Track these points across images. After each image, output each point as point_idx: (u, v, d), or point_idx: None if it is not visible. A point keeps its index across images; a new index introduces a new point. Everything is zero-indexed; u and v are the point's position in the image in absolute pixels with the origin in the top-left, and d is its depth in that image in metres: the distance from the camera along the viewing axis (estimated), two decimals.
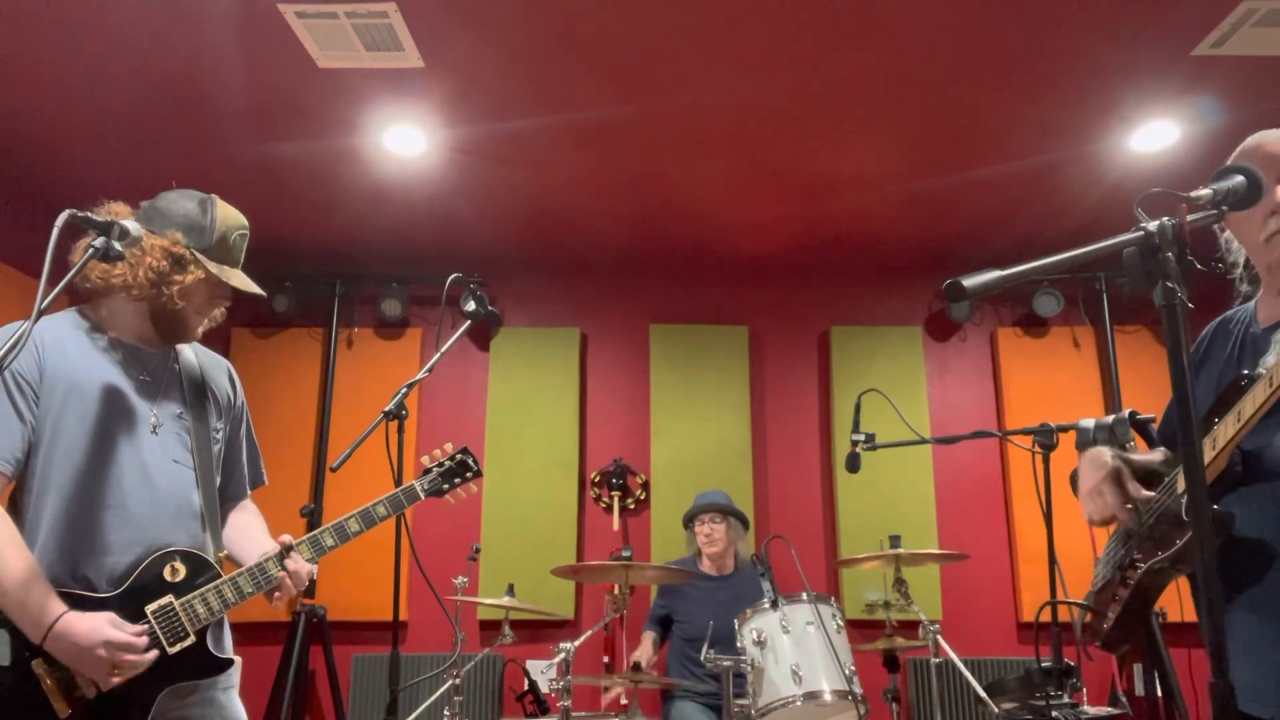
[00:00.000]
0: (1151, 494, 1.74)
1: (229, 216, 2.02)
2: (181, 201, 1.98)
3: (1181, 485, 1.67)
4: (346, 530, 2.05)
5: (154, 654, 1.79)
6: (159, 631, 1.83)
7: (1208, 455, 1.59)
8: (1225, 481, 1.60)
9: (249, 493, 2.24)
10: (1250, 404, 1.50)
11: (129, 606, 1.81)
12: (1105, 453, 1.80)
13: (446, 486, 2.29)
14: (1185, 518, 1.63)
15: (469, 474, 2.31)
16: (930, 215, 4.94)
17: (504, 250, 5.36)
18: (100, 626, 1.74)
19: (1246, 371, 1.60)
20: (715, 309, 5.54)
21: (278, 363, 5.40)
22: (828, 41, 3.50)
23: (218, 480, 2.08)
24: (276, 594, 1.96)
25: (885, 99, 3.87)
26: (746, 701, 3.19)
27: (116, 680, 1.75)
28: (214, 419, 2.08)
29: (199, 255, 1.94)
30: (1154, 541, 1.75)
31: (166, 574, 1.87)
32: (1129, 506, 1.73)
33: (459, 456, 2.31)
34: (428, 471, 2.28)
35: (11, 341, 1.56)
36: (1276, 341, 1.63)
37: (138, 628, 1.79)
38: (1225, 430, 1.57)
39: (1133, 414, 2.08)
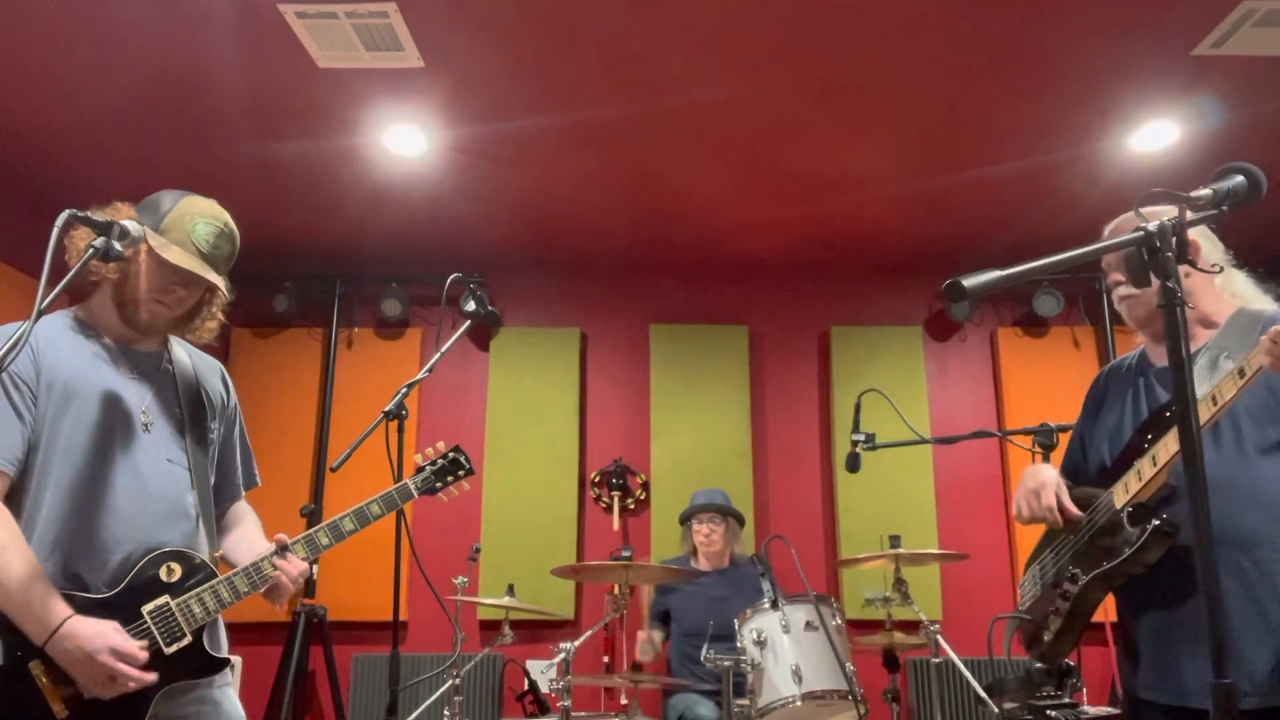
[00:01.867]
0: (1081, 514, 1.93)
1: (195, 204, 1.97)
2: (160, 194, 1.98)
3: (1117, 500, 1.85)
4: (341, 529, 2.04)
5: (153, 676, 1.78)
6: (156, 632, 1.83)
7: (1147, 472, 1.78)
8: (1163, 494, 1.78)
9: (243, 494, 2.24)
10: None
11: (125, 607, 1.81)
12: (1049, 469, 2.01)
13: (439, 485, 2.28)
14: (1129, 525, 1.79)
15: (461, 472, 2.31)
16: (930, 215, 4.94)
17: (504, 250, 5.36)
18: (105, 631, 1.74)
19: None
20: (715, 309, 5.54)
21: (278, 363, 5.40)
22: (828, 41, 3.50)
23: (212, 479, 2.08)
24: (276, 595, 1.96)
25: (885, 99, 3.87)
26: (746, 701, 3.19)
27: (108, 694, 1.74)
28: (208, 419, 2.08)
29: (146, 229, 1.89)
30: (1094, 554, 1.89)
31: (163, 574, 1.87)
32: (1062, 516, 1.92)
33: (451, 455, 2.31)
34: (420, 470, 2.27)
35: (11, 342, 1.56)
36: (1195, 374, 1.77)
37: (141, 642, 1.79)
38: (1167, 447, 1.74)
39: None
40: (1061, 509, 1.93)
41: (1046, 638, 1.98)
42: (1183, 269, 1.83)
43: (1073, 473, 2.09)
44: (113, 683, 1.74)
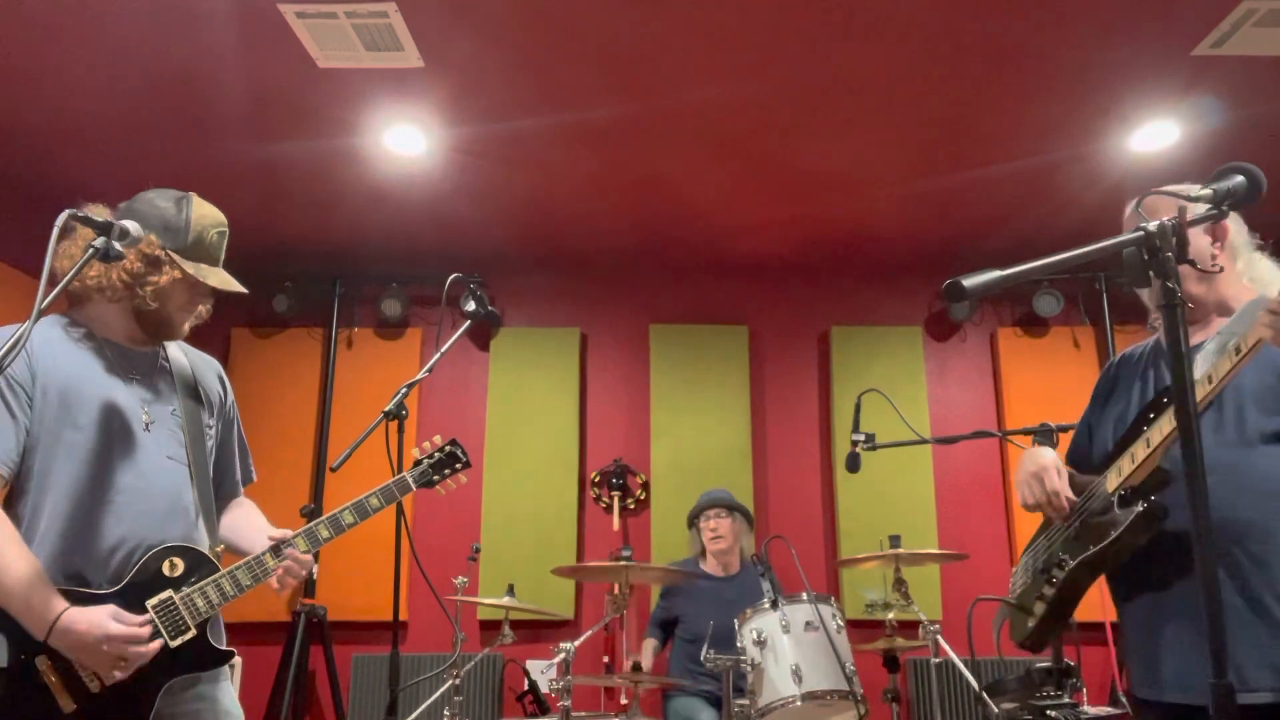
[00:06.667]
0: (1076, 499, 1.88)
1: (205, 215, 2.01)
2: (157, 201, 1.98)
3: (1109, 484, 1.81)
4: (341, 522, 2.08)
5: (158, 643, 1.81)
6: (161, 626, 1.85)
7: (1141, 454, 1.73)
8: (1157, 478, 1.73)
9: (242, 490, 2.26)
10: None
11: (130, 602, 1.83)
12: (1048, 451, 1.96)
13: (437, 478, 2.32)
14: (1118, 508, 1.75)
15: (458, 465, 2.35)
16: (930, 215, 4.94)
17: (504, 250, 5.36)
18: (101, 621, 1.75)
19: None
20: (715, 309, 5.54)
21: (278, 363, 5.40)
22: (828, 41, 3.50)
23: (211, 476, 2.09)
24: (278, 583, 1.98)
25: (885, 99, 3.87)
26: (746, 701, 3.19)
27: (121, 674, 1.77)
28: (206, 416, 2.11)
29: (174, 255, 1.94)
30: (1082, 539, 1.85)
31: (165, 569, 1.89)
32: (1061, 500, 1.87)
33: (448, 448, 2.35)
34: (418, 463, 2.32)
35: (10, 343, 1.56)
36: (1199, 359, 1.75)
37: (140, 618, 1.81)
38: (1162, 430, 1.70)
39: None
40: (1062, 493, 1.87)
41: (1031, 624, 1.94)
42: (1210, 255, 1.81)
43: (1076, 461, 2.03)
44: (123, 663, 1.76)
